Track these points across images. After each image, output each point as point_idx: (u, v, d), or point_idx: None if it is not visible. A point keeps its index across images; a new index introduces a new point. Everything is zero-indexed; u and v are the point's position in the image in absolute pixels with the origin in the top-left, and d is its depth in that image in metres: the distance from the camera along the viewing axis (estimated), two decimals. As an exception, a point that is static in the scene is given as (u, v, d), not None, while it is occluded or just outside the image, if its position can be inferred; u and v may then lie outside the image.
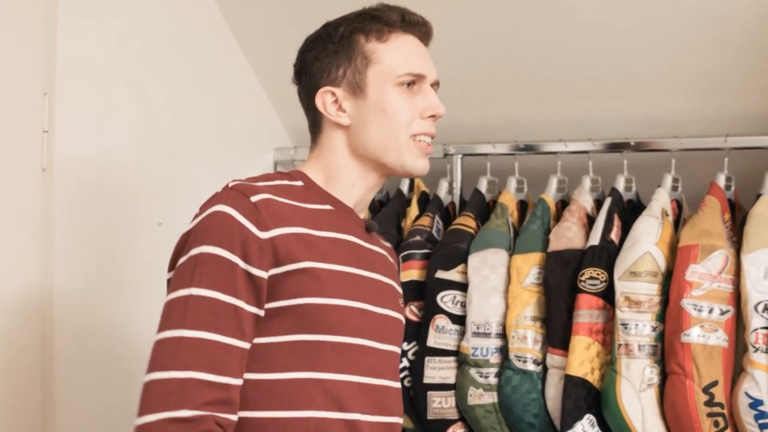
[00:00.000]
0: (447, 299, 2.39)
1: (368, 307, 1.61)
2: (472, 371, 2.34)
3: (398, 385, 1.68)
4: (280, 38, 2.63)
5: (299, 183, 1.66)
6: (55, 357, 2.12)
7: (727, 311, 2.16)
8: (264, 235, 1.51)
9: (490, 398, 2.32)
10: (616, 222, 2.32)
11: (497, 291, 2.35)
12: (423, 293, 2.42)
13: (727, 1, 2.20)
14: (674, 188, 2.38)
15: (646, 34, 2.33)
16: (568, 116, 2.51)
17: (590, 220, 2.38)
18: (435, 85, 1.70)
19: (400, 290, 1.77)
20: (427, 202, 2.61)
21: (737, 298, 2.17)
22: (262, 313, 1.51)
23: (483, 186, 2.56)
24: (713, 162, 2.35)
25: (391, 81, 1.64)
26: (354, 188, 1.68)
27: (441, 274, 2.39)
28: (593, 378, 2.25)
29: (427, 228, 2.50)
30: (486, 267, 2.36)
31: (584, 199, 2.41)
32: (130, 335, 2.31)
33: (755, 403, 2.11)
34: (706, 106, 2.40)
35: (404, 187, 2.66)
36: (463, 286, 2.38)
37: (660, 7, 2.26)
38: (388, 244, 1.84)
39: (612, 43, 2.36)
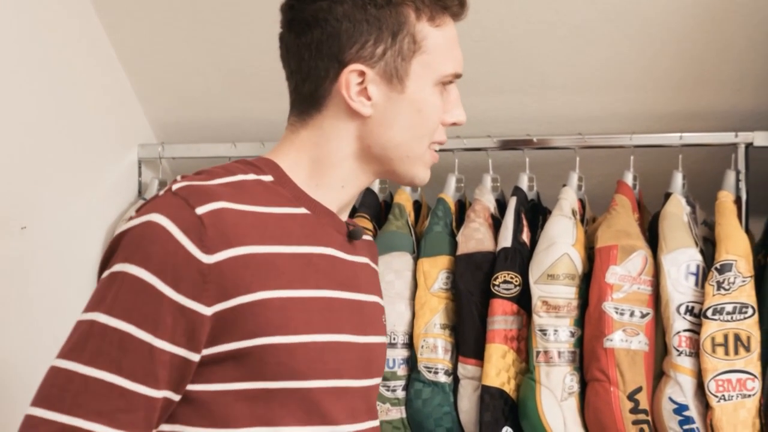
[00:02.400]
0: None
1: (347, 338, 1.30)
2: (377, 385, 2.17)
3: (377, 423, 1.39)
4: (147, 21, 2.38)
5: (268, 177, 1.30)
6: None
7: (647, 314, 2.09)
8: (209, 258, 1.17)
9: (398, 413, 2.16)
10: (524, 222, 2.21)
11: (403, 297, 2.20)
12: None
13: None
14: (579, 187, 2.29)
15: (549, 29, 2.23)
16: (468, 113, 2.37)
17: (495, 221, 2.26)
18: None
19: (382, 302, 1.47)
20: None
21: (656, 300, 2.11)
22: (196, 357, 1.19)
23: (375, 185, 2.39)
24: (618, 160, 2.28)
25: (434, 78, 1.32)
26: (343, 190, 1.35)
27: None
28: (509, 388, 2.12)
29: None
30: (390, 272, 2.20)
31: (487, 199, 2.29)
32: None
33: (680, 409, 2.04)
34: (611, 104, 2.34)
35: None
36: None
37: (571, 2, 2.17)
38: (368, 237, 1.49)
39: (520, 37, 2.25)
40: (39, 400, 1.16)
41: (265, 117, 2.45)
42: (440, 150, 2.27)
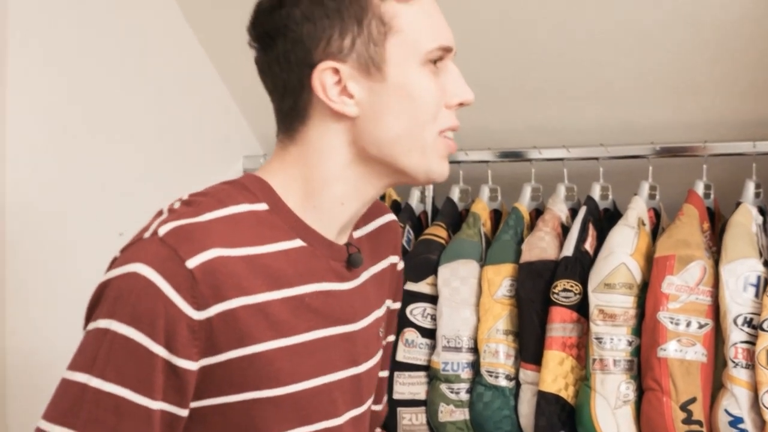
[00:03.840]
0: (417, 312, 2.30)
1: (339, 375, 1.26)
2: (443, 387, 2.25)
3: None
4: (247, 40, 2.56)
5: (263, 207, 1.21)
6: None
7: (706, 324, 2.08)
8: (200, 315, 1.11)
9: (462, 415, 2.24)
10: (591, 232, 2.24)
11: (468, 304, 2.27)
12: (392, 306, 2.33)
13: (703, 5, 2.11)
14: (651, 196, 2.30)
15: (620, 38, 2.24)
16: (543, 123, 2.42)
17: (565, 230, 2.30)
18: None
19: (391, 304, 1.44)
20: (399, 212, 2.52)
21: (716, 310, 2.09)
22: (185, 413, 1.16)
23: (455, 195, 2.47)
24: (692, 169, 2.27)
25: (416, 57, 1.20)
26: (343, 208, 1.24)
27: (410, 286, 2.31)
28: (567, 394, 2.16)
29: (398, 238, 2.42)
30: (456, 279, 2.28)
31: (559, 208, 2.33)
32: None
33: (735, 421, 2.02)
34: (684, 112, 2.32)
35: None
36: (433, 299, 2.30)
37: (635, 11, 2.18)
38: (383, 220, 1.41)
39: (587, 48, 2.27)
40: None
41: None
42: (518, 160, 2.37)
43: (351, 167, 1.23)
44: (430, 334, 2.30)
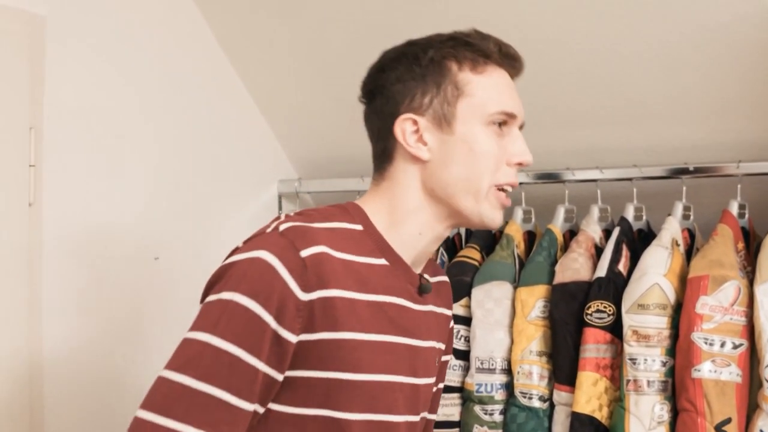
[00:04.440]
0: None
1: (401, 379, 1.46)
2: (477, 408, 2.26)
3: None
4: (280, 69, 2.60)
5: (358, 227, 1.46)
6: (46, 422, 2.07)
7: (741, 345, 2.06)
8: (306, 296, 1.33)
9: (496, 437, 2.24)
10: (625, 252, 2.24)
11: (502, 325, 2.27)
12: (426, 328, 2.34)
13: (735, 23, 2.11)
14: (686, 217, 2.29)
15: (652, 58, 2.24)
16: (576, 144, 2.43)
17: (598, 251, 2.29)
18: (521, 127, 1.53)
19: (441, 346, 1.62)
20: (471, 234, 2.53)
21: (751, 330, 2.07)
22: (281, 378, 1.36)
23: (489, 216, 2.47)
24: (726, 189, 2.26)
25: (482, 118, 1.46)
26: (420, 237, 1.49)
27: (445, 308, 2.31)
28: (601, 415, 2.15)
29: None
30: (490, 300, 2.28)
31: (592, 229, 2.33)
32: (128, 388, 2.25)
33: (771, 442, 2.01)
34: (717, 132, 2.32)
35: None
36: (467, 320, 2.30)
37: (666, 31, 2.18)
38: (442, 278, 1.67)
39: (618, 68, 2.28)
40: (151, 405, 1.30)
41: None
42: (552, 181, 2.38)
43: (424, 204, 1.49)
44: (464, 355, 2.30)
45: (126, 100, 2.29)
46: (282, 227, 1.38)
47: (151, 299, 2.33)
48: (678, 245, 2.21)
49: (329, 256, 1.37)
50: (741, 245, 2.20)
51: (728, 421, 2.03)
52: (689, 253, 2.27)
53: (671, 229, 2.22)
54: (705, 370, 2.05)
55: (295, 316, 1.32)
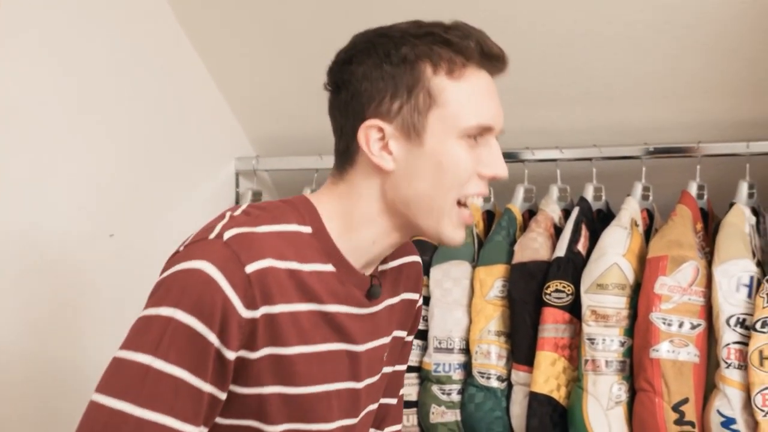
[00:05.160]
0: (409, 313, 2.29)
1: (342, 385, 1.40)
2: (435, 388, 2.25)
3: None
4: (239, 44, 2.55)
5: (308, 229, 1.35)
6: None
7: (698, 325, 2.07)
8: (248, 314, 1.26)
9: (453, 416, 2.23)
10: (584, 232, 2.23)
11: (460, 304, 2.26)
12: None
13: (697, 6, 2.11)
14: (645, 197, 2.29)
15: (615, 39, 2.23)
16: (536, 124, 2.41)
17: (558, 231, 2.29)
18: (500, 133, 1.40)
19: (400, 334, 1.55)
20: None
21: (709, 311, 2.08)
22: (224, 396, 1.30)
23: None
24: (685, 170, 2.26)
25: (455, 131, 1.33)
26: (374, 245, 1.39)
27: (403, 287, 2.29)
28: (559, 395, 2.15)
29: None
30: (448, 280, 2.27)
31: (552, 209, 2.32)
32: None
33: (727, 422, 2.01)
34: (678, 113, 2.31)
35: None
36: (425, 300, 2.29)
37: (629, 12, 2.17)
38: (410, 258, 1.56)
39: (580, 49, 2.27)
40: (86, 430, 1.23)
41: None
42: (511, 161, 2.36)
43: (382, 215, 1.38)
44: (421, 335, 2.28)
45: (79, 76, 2.23)
46: (227, 235, 1.27)
47: (106, 275, 2.29)
48: (637, 225, 2.21)
49: (274, 270, 1.28)
50: (699, 226, 2.20)
51: (686, 401, 2.04)
52: (648, 234, 2.26)
53: (630, 210, 2.22)
54: (663, 350, 2.05)
55: (236, 333, 1.26)
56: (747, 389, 2.00)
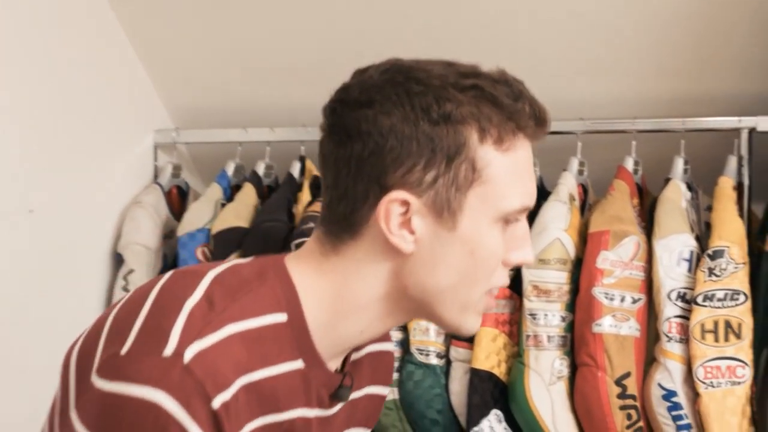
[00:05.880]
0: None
1: None
2: (371, 366, 2.20)
3: None
4: (159, 9, 2.44)
5: (282, 318, 1.09)
6: None
7: (639, 299, 2.08)
8: None
9: (391, 394, 2.18)
10: (522, 207, 2.21)
11: (398, 281, 2.21)
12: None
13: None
14: (580, 172, 2.28)
15: (550, 15, 2.22)
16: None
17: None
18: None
19: (365, 430, 1.31)
20: (320, 187, 2.44)
21: (649, 285, 2.09)
22: None
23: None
24: (621, 145, 2.26)
25: (494, 214, 1.09)
26: (360, 335, 1.15)
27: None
28: (500, 371, 2.13)
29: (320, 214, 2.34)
30: (386, 255, 2.22)
31: (487, 184, 2.29)
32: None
33: (668, 395, 2.02)
34: (614, 89, 2.31)
35: (295, 171, 2.49)
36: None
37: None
38: (383, 347, 1.31)
39: (519, 25, 2.25)
40: None
41: (276, 102, 2.51)
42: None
43: (385, 299, 1.13)
44: (357, 312, 2.23)
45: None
46: (188, 355, 1.01)
47: (27, 251, 2.17)
48: (574, 200, 2.20)
49: (240, 392, 1.04)
50: (636, 201, 2.21)
51: (627, 375, 2.05)
52: (583, 209, 2.26)
53: (568, 184, 2.21)
54: (606, 325, 2.05)
55: None
56: (688, 362, 2.02)
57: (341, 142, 1.10)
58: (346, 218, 1.10)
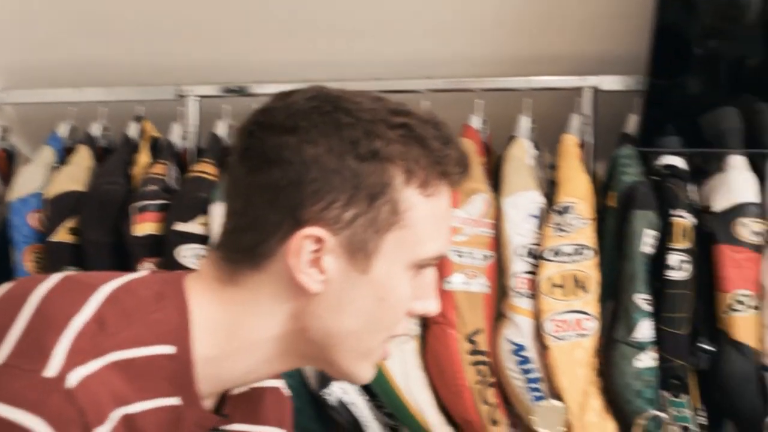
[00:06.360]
0: (188, 253, 2.15)
1: None
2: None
3: None
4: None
5: (170, 350, 1.01)
6: None
7: (489, 256, 2.08)
8: None
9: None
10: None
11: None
12: (161, 248, 2.17)
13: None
14: (427, 132, 2.27)
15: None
16: (316, 57, 2.33)
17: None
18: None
19: None
20: (160, 149, 2.35)
21: (498, 242, 2.10)
22: None
23: (221, 130, 2.34)
24: (467, 104, 2.26)
25: (410, 259, 1.04)
26: (246, 376, 1.09)
27: (179, 227, 2.16)
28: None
29: (162, 176, 2.25)
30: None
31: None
32: None
33: (517, 349, 2.04)
34: (460, 48, 2.31)
35: (132, 132, 2.38)
36: (205, 239, 2.16)
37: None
38: (274, 384, 1.23)
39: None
40: None
41: (112, 60, 2.40)
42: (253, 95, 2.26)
43: (279, 340, 1.05)
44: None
45: None
46: (70, 380, 0.93)
47: None
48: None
49: (121, 424, 0.97)
50: (484, 159, 2.21)
51: (478, 331, 2.05)
52: (430, 169, 2.25)
53: (415, 143, 2.19)
54: (457, 282, 2.05)
55: None
56: (536, 317, 2.04)
57: (257, 168, 1.02)
58: (251, 249, 1.03)
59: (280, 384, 1.26)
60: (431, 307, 1.10)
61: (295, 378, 2.11)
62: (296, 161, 1.00)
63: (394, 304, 1.06)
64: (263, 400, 1.21)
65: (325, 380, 2.09)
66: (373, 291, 1.04)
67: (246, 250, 1.03)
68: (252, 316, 1.04)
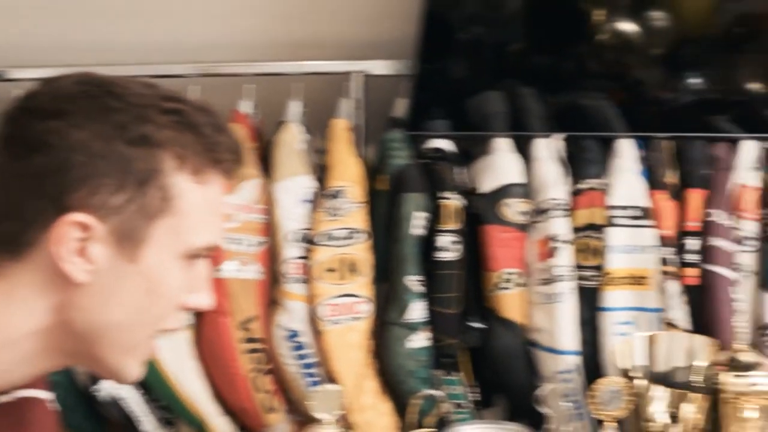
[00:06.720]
0: None
1: None
2: None
3: None
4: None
5: None
6: None
7: (262, 242, 2.07)
8: None
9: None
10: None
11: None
12: None
13: None
14: (196, 117, 2.23)
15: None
16: (83, 38, 2.25)
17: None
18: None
19: None
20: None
21: (270, 228, 2.08)
22: None
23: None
24: (238, 89, 2.23)
25: (180, 249, 1.02)
26: (2, 376, 1.01)
27: None
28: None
29: None
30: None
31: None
32: None
33: (292, 335, 2.04)
34: (232, 32, 2.28)
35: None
36: None
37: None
38: (32, 393, 1.12)
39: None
40: None
41: None
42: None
43: (42, 335, 1.00)
44: None
45: None
46: None
47: None
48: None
49: None
50: (256, 145, 2.19)
51: (252, 318, 2.03)
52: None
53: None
54: (229, 269, 2.03)
55: None
56: (310, 301, 2.03)
57: (20, 155, 0.98)
58: (11, 239, 0.98)
59: (47, 396, 1.17)
60: (204, 301, 1.08)
61: (64, 374, 2.03)
62: (61, 146, 0.96)
63: (164, 296, 1.03)
64: (27, 412, 1.13)
65: (95, 375, 2.02)
66: (141, 281, 1.00)
67: (5, 240, 0.99)
68: (11, 311, 0.98)
